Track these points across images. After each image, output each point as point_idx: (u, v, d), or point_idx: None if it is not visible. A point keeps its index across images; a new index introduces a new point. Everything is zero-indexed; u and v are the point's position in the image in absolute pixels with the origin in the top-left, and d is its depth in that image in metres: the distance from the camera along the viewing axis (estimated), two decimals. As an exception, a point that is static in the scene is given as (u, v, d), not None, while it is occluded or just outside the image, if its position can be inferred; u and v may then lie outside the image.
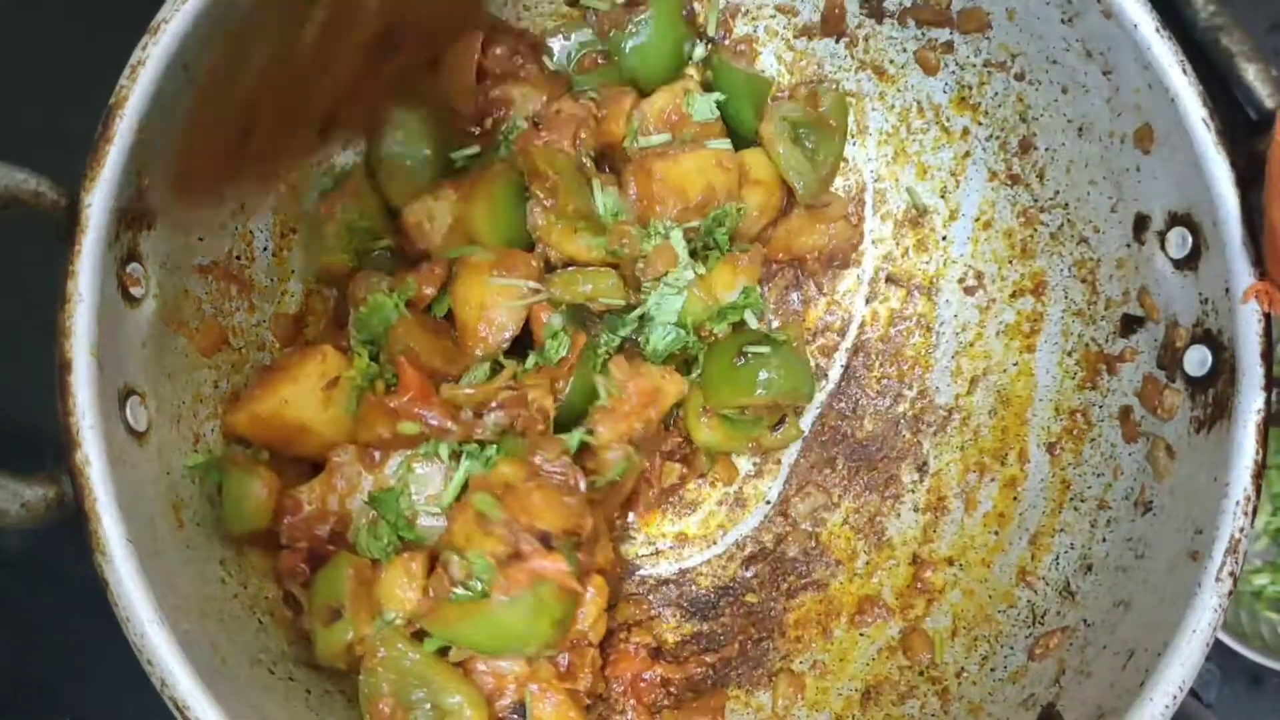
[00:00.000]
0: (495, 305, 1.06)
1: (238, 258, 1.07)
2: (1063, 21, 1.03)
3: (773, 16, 1.22)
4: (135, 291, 0.92)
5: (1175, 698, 0.88)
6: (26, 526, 0.82)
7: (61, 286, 0.84)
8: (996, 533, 1.13)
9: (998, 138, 1.16)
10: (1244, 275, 0.93)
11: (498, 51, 1.15)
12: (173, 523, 0.91)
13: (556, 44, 1.19)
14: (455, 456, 0.99)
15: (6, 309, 1.09)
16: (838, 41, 1.21)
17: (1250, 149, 0.94)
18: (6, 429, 1.15)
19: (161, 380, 0.95)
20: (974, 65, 1.15)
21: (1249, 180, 0.94)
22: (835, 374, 1.23)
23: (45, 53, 1.24)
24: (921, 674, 1.09)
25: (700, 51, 1.20)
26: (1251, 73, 1.02)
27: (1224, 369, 0.95)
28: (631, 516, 1.18)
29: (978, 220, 1.20)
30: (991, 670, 1.05)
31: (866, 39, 1.20)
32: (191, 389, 1.00)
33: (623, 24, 1.17)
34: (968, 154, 1.19)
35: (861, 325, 1.23)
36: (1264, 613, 1.19)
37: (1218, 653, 0.90)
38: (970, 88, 1.16)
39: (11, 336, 1.04)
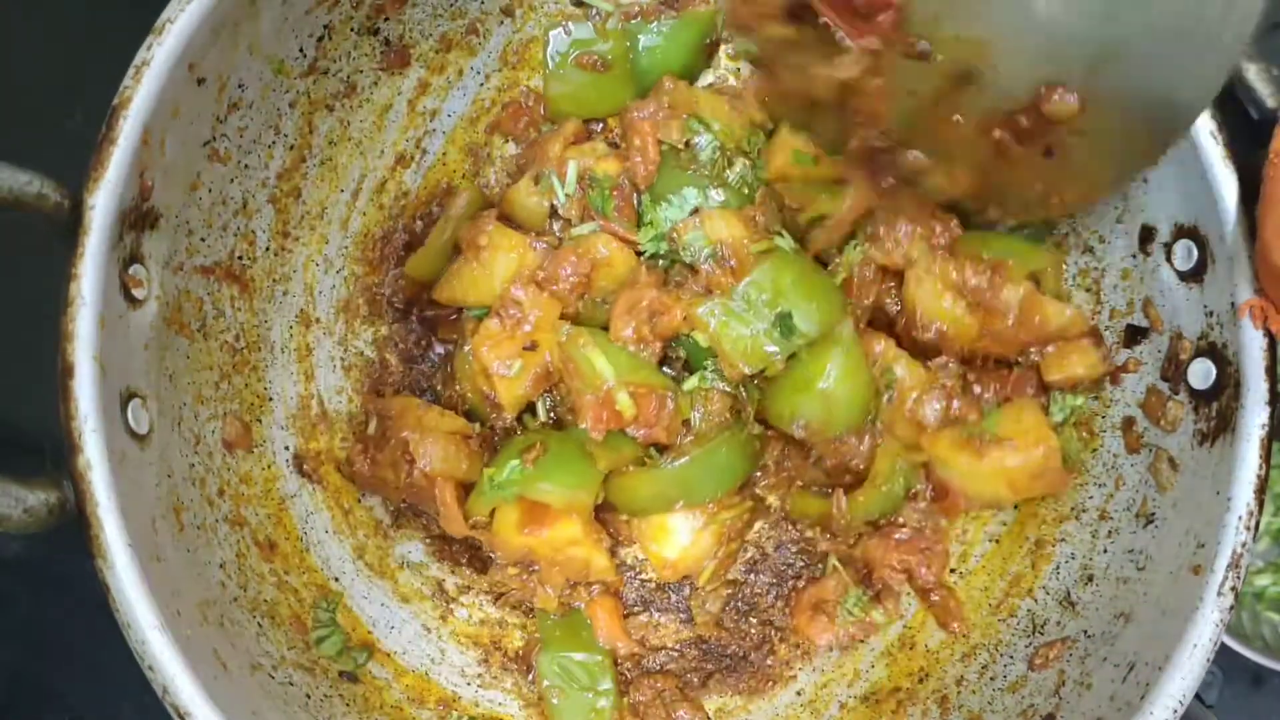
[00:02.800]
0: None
1: (239, 258, 1.06)
2: (1072, 30, 1.02)
3: (780, 19, 1.21)
4: (137, 293, 0.91)
5: (1176, 711, 0.88)
6: (29, 531, 0.82)
7: (64, 290, 0.84)
8: (997, 541, 1.13)
9: (1004, 145, 1.16)
10: (1250, 290, 0.92)
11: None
12: (174, 526, 0.91)
13: (555, 36, 1.18)
14: None
15: (8, 312, 1.08)
16: (845, 45, 1.20)
17: (1253, 163, 0.94)
18: (7, 431, 1.14)
19: (163, 382, 0.95)
20: (981, 72, 1.14)
21: (1252, 194, 0.93)
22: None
23: (47, 54, 1.23)
24: (921, 682, 1.09)
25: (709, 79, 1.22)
26: (1252, 72, 1.01)
27: (1228, 383, 0.94)
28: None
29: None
30: (991, 679, 1.05)
31: (873, 43, 1.19)
32: (193, 390, 0.99)
33: (648, 17, 1.17)
34: (973, 160, 1.18)
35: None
36: (1265, 613, 1.19)
37: (1219, 653, 0.90)
38: (977, 94, 1.16)
39: (13, 339, 1.03)
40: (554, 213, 1.13)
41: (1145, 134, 0.89)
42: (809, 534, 1.17)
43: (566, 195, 1.12)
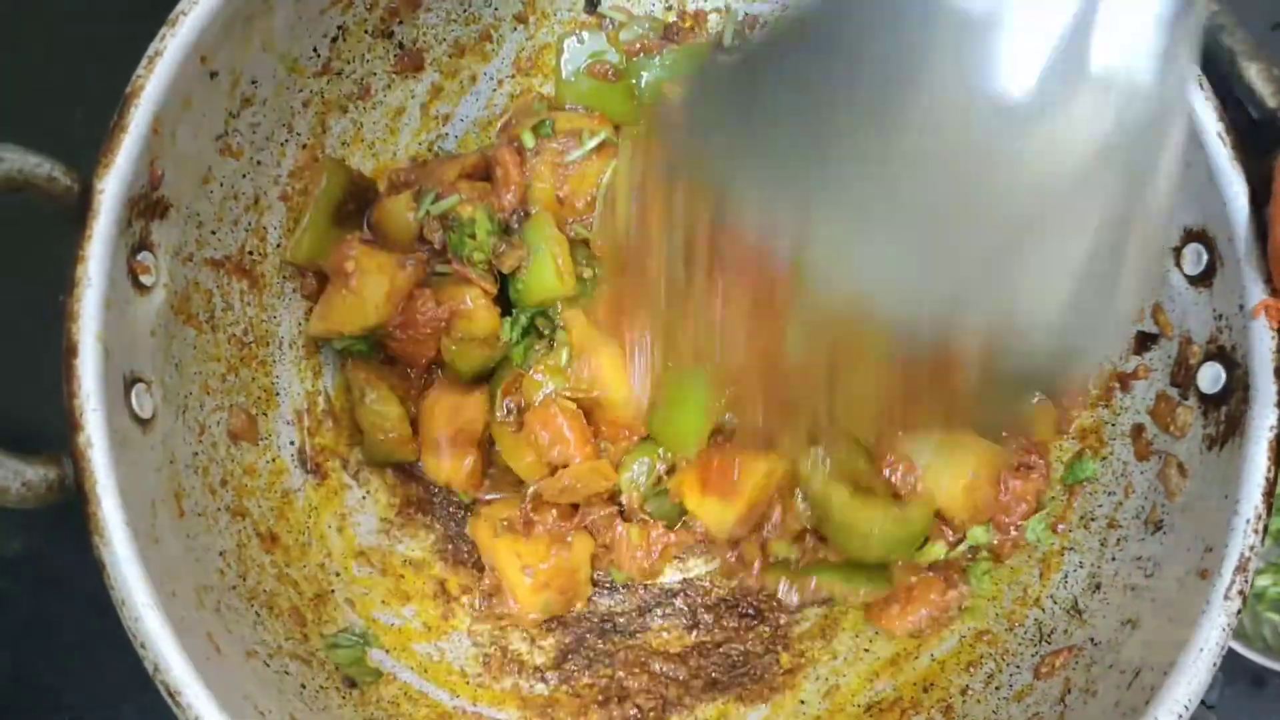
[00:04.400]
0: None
1: (250, 253, 1.07)
2: (1079, 35, 1.03)
3: (790, 29, 1.22)
4: (145, 280, 0.92)
5: (1180, 716, 0.86)
6: (26, 506, 0.82)
7: (71, 271, 0.85)
8: (1005, 550, 1.12)
9: (1013, 153, 1.16)
10: (1259, 292, 0.92)
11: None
12: (174, 511, 0.91)
13: (570, 44, 1.19)
14: None
15: (16, 297, 1.09)
16: (854, 54, 1.21)
17: (1263, 165, 0.93)
18: (12, 415, 1.15)
19: (169, 369, 0.95)
20: (990, 80, 1.14)
21: (1262, 197, 0.93)
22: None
23: (62, 38, 1.25)
24: (926, 692, 1.07)
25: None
26: (1253, 72, 1.01)
27: (1237, 386, 0.93)
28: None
29: (992, 237, 1.19)
30: (997, 689, 1.04)
31: (883, 52, 1.19)
32: (199, 380, 1.00)
33: (651, 52, 1.19)
34: (983, 169, 1.18)
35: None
36: (1266, 614, 1.17)
37: (1218, 653, 0.89)
38: (986, 103, 1.16)
39: (20, 325, 1.04)
40: (422, 236, 1.11)
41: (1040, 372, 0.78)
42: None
43: (421, 215, 1.10)
